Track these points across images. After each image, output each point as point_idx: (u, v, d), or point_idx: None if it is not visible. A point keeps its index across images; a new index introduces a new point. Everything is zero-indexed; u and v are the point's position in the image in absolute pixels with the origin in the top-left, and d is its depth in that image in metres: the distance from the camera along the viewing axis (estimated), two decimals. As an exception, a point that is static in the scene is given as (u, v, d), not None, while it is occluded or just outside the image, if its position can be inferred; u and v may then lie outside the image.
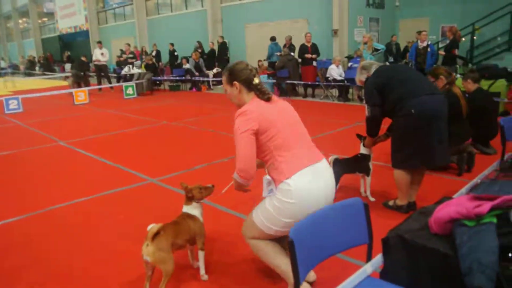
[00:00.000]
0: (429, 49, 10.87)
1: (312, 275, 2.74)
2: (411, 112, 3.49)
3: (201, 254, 2.91)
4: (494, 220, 1.87)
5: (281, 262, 2.51)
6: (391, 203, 4.05)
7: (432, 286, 1.93)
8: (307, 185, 2.39)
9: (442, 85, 5.03)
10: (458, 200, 2.04)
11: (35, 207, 4.45)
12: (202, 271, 2.93)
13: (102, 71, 16.69)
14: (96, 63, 16.54)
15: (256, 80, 2.57)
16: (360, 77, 4.02)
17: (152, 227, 2.59)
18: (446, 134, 3.66)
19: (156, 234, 2.57)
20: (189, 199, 2.93)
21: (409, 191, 3.91)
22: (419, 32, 11.15)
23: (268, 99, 2.56)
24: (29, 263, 3.27)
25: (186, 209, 2.94)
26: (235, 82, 2.58)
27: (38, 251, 3.47)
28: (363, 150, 4.20)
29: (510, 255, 1.78)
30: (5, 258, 3.39)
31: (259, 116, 2.42)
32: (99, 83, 16.79)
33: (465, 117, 5.05)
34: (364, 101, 3.91)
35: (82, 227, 3.94)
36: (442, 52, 10.97)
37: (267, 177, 2.50)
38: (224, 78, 2.67)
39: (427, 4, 15.49)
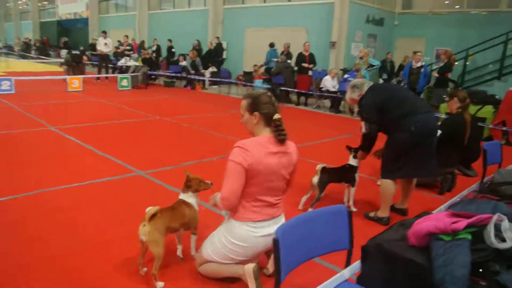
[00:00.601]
0: (422, 70, 11.06)
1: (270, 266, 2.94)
2: (411, 130, 3.70)
3: (193, 238, 3.15)
4: (469, 236, 1.98)
5: (225, 268, 2.78)
6: (372, 214, 4.19)
7: (406, 295, 2.02)
8: (249, 235, 2.63)
9: (455, 107, 5.16)
10: (437, 216, 2.15)
11: (22, 189, 4.47)
12: (193, 251, 3.15)
13: (104, 60, 16.63)
14: (99, 52, 16.46)
15: (277, 116, 2.60)
16: (352, 95, 4.11)
17: (150, 209, 2.75)
18: (434, 148, 3.94)
19: (153, 216, 2.74)
20: (188, 187, 3.09)
21: (399, 200, 4.20)
22: (415, 52, 11.35)
23: (281, 140, 2.58)
24: (18, 244, 3.30)
25: (183, 196, 3.10)
26: (256, 113, 2.61)
27: (25, 232, 3.50)
28: (351, 162, 4.32)
29: (480, 270, 1.89)
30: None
31: (253, 162, 2.49)
32: (99, 72, 16.72)
33: (465, 144, 5.14)
34: (360, 117, 4.02)
35: (69, 212, 3.97)
36: (435, 74, 11.18)
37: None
38: (244, 104, 2.69)
39: (424, 25, 15.82)
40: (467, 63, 13.55)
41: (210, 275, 2.90)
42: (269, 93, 2.70)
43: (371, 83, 4.14)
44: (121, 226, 3.72)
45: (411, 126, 3.70)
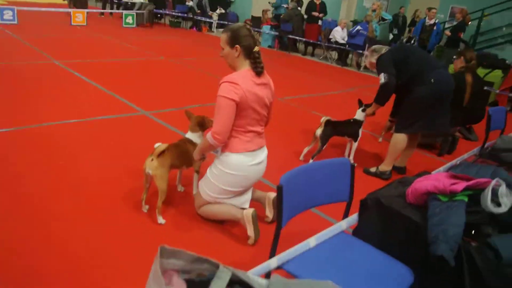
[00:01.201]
0: (435, 28, 10.82)
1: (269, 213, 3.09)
2: (431, 82, 3.81)
3: (196, 176, 3.27)
4: (466, 199, 2.03)
5: (224, 209, 2.90)
6: (373, 170, 4.29)
7: (399, 250, 2.10)
8: (245, 163, 2.75)
9: (458, 66, 5.18)
10: (437, 176, 2.19)
11: (23, 121, 4.50)
12: (195, 190, 3.23)
13: None
14: None
15: (256, 48, 2.68)
16: (371, 59, 4.20)
17: (160, 146, 2.86)
18: (449, 105, 4.05)
19: (162, 153, 2.85)
20: (200, 126, 3.19)
21: (399, 158, 4.30)
22: (429, 9, 11.04)
23: (259, 73, 2.68)
24: (23, 172, 3.38)
25: (190, 135, 3.20)
26: (237, 46, 2.65)
27: (28, 163, 3.57)
28: (358, 116, 4.36)
29: (473, 232, 1.95)
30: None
31: (243, 94, 2.57)
32: (104, 7, 16.30)
33: (465, 105, 5.16)
34: (378, 72, 4.05)
35: (71, 147, 4.03)
36: (448, 33, 10.93)
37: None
38: (224, 38, 2.71)
39: (442, -19, 15.25)
40: (481, 23, 13.20)
41: (209, 217, 3.00)
42: (248, 26, 2.75)
43: (388, 47, 4.21)
44: (122, 163, 3.79)
45: (431, 78, 3.81)
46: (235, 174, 2.77)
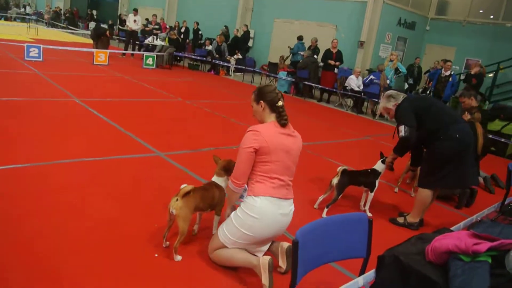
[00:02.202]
0: (450, 79, 10.88)
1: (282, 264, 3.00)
2: (456, 137, 3.79)
3: (216, 218, 3.35)
4: (489, 260, 1.95)
5: (239, 256, 2.86)
6: (400, 220, 4.24)
7: (417, 310, 2.01)
8: (269, 210, 2.76)
9: (466, 119, 5.17)
10: (458, 234, 2.12)
11: (39, 157, 4.54)
12: (214, 230, 3.29)
13: (132, 37, 16.63)
14: (128, 29, 16.49)
15: (279, 103, 2.86)
16: (387, 105, 4.16)
17: (185, 187, 2.94)
18: (473, 158, 4.07)
19: (186, 194, 2.92)
20: (226, 171, 3.23)
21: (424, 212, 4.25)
22: (445, 61, 11.15)
23: (283, 125, 2.85)
24: (32, 211, 3.37)
25: (217, 179, 3.28)
26: (261, 101, 2.87)
27: (41, 202, 3.57)
28: (377, 166, 4.34)
29: (497, 296, 1.86)
30: (8, 204, 3.49)
31: (264, 141, 2.73)
32: (126, 48, 16.76)
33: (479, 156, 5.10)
34: (397, 123, 4.04)
35: (85, 185, 4.04)
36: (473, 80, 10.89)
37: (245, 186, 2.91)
38: (252, 97, 2.95)
39: (456, 34, 15.52)
40: (497, 76, 13.28)
41: (222, 262, 2.94)
42: (272, 85, 2.93)
43: (405, 95, 4.18)
44: (137, 205, 3.77)
45: (456, 133, 3.79)
46: (258, 219, 2.75)
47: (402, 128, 3.92)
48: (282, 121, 2.85)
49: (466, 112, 5.29)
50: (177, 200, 2.92)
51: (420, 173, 4.18)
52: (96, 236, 3.16)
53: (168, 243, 3.11)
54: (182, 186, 2.98)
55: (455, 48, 15.51)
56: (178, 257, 2.98)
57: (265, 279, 2.70)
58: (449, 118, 3.91)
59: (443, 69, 11.07)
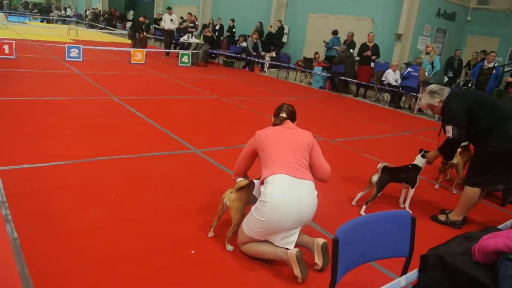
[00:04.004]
0: (494, 71, 10.46)
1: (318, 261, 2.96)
2: (510, 134, 3.59)
3: None
4: (542, 260, 1.84)
5: (268, 249, 2.91)
6: (442, 218, 4.09)
7: (464, 312, 1.92)
8: (279, 190, 2.80)
9: None
10: (507, 233, 2.01)
11: (79, 155, 4.65)
12: None
13: (169, 36, 16.85)
14: (165, 28, 16.70)
15: (282, 114, 3.24)
16: (431, 101, 3.92)
17: (241, 181, 3.09)
18: None
19: (241, 188, 3.04)
20: None
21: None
22: (488, 52, 10.72)
23: (275, 125, 3.23)
24: (74, 206, 3.46)
25: None
26: (273, 116, 3.32)
27: (81, 198, 3.66)
28: (417, 161, 4.20)
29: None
30: (50, 199, 3.59)
31: (259, 139, 3.10)
32: (166, 47, 16.96)
33: None
34: (444, 121, 3.87)
35: (123, 182, 4.11)
36: (508, 79, 10.47)
37: (257, 181, 3.11)
38: None
39: (500, 24, 14.86)
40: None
41: (253, 255, 2.98)
42: (286, 104, 3.36)
43: (449, 89, 3.97)
44: (173, 201, 3.81)
45: (510, 131, 3.59)
46: (268, 201, 2.77)
47: (450, 128, 3.72)
48: (274, 122, 3.24)
49: None
50: (231, 192, 3.04)
51: (469, 170, 3.96)
52: (133, 231, 3.20)
53: (213, 234, 3.23)
54: (238, 179, 3.15)
55: (498, 38, 14.87)
56: (230, 247, 3.08)
57: (296, 271, 2.75)
58: (503, 114, 3.68)
59: (485, 61, 10.65)
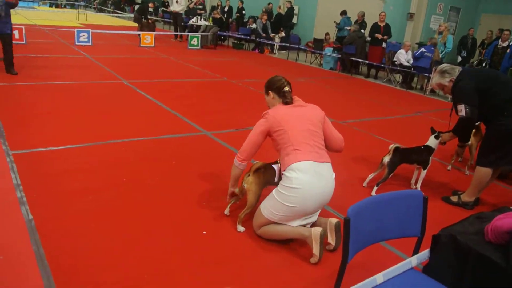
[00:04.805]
0: (508, 50, 10.24)
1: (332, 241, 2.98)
2: None
3: None
4: (556, 240, 1.83)
5: (290, 229, 2.90)
6: (454, 199, 4.06)
7: (475, 292, 1.92)
8: (306, 176, 2.77)
9: None
10: (521, 213, 2.00)
11: (93, 138, 4.70)
12: None
13: (176, 19, 16.70)
14: (172, 11, 16.54)
15: (286, 89, 3.09)
16: (441, 81, 3.87)
17: (256, 163, 3.11)
18: None
19: (258, 170, 3.06)
20: None
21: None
22: (502, 31, 10.50)
23: (287, 103, 3.06)
24: (87, 188, 3.50)
25: None
26: (270, 92, 3.16)
27: (94, 180, 3.70)
28: (430, 143, 4.16)
29: None
30: (63, 182, 3.63)
31: (272, 119, 2.96)
32: (176, 30, 16.80)
33: None
34: (455, 101, 3.81)
35: (135, 164, 4.14)
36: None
37: (278, 165, 3.09)
38: (264, 90, 3.24)
39: (515, 0, 14.51)
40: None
41: (271, 237, 2.98)
42: (279, 76, 3.20)
43: (460, 68, 3.90)
44: (185, 183, 3.83)
45: None
46: (300, 188, 2.76)
47: (462, 107, 3.65)
48: (285, 100, 3.06)
49: None
50: (248, 175, 3.06)
51: (480, 150, 3.90)
52: (144, 212, 3.24)
53: (228, 212, 3.28)
54: (254, 162, 3.14)
55: (513, 16, 14.56)
56: (241, 228, 3.11)
57: (316, 249, 2.77)
58: None
59: (500, 40, 10.44)
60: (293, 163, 2.81)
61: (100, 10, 29.31)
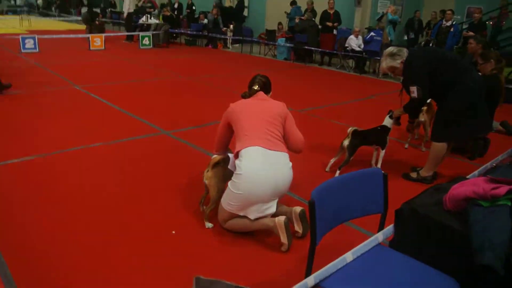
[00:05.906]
0: (452, 29, 10.65)
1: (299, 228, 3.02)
2: (471, 86, 3.72)
3: None
4: (509, 203, 1.92)
5: (254, 222, 2.92)
6: (413, 175, 4.21)
7: (440, 260, 2.00)
8: (252, 162, 2.81)
9: (489, 69, 5.00)
10: (475, 181, 2.09)
11: (48, 148, 4.54)
12: None
13: (129, 21, 16.13)
14: (124, 14, 16.01)
15: (254, 86, 3.21)
16: (392, 63, 3.97)
17: (215, 157, 3.09)
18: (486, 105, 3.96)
19: (216, 164, 3.03)
20: None
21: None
22: (444, 11, 10.90)
23: (244, 96, 3.24)
24: (43, 199, 3.39)
25: None
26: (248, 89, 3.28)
27: (50, 191, 3.59)
28: (386, 122, 4.27)
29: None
30: (12, 194, 3.50)
31: (231, 112, 3.07)
32: (128, 31, 16.22)
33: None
34: (406, 82, 3.93)
35: (96, 171, 4.04)
36: (467, 34, 10.68)
37: (231, 155, 3.10)
38: None
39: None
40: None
41: (238, 229, 2.99)
42: (260, 75, 3.32)
43: (406, 49, 4.04)
44: (148, 184, 3.78)
45: (471, 83, 3.72)
46: (242, 174, 2.79)
47: (415, 89, 3.79)
48: (246, 94, 3.23)
49: (492, 61, 4.99)
50: (207, 171, 3.05)
51: (434, 127, 4.07)
52: (110, 217, 3.18)
53: (205, 207, 3.20)
54: (213, 156, 3.12)
55: (454, -4, 15.09)
56: (209, 224, 3.08)
57: (283, 238, 2.80)
58: (463, 68, 3.80)
59: (443, 20, 10.83)
60: (242, 149, 2.86)
61: (45, 15, 28.20)
